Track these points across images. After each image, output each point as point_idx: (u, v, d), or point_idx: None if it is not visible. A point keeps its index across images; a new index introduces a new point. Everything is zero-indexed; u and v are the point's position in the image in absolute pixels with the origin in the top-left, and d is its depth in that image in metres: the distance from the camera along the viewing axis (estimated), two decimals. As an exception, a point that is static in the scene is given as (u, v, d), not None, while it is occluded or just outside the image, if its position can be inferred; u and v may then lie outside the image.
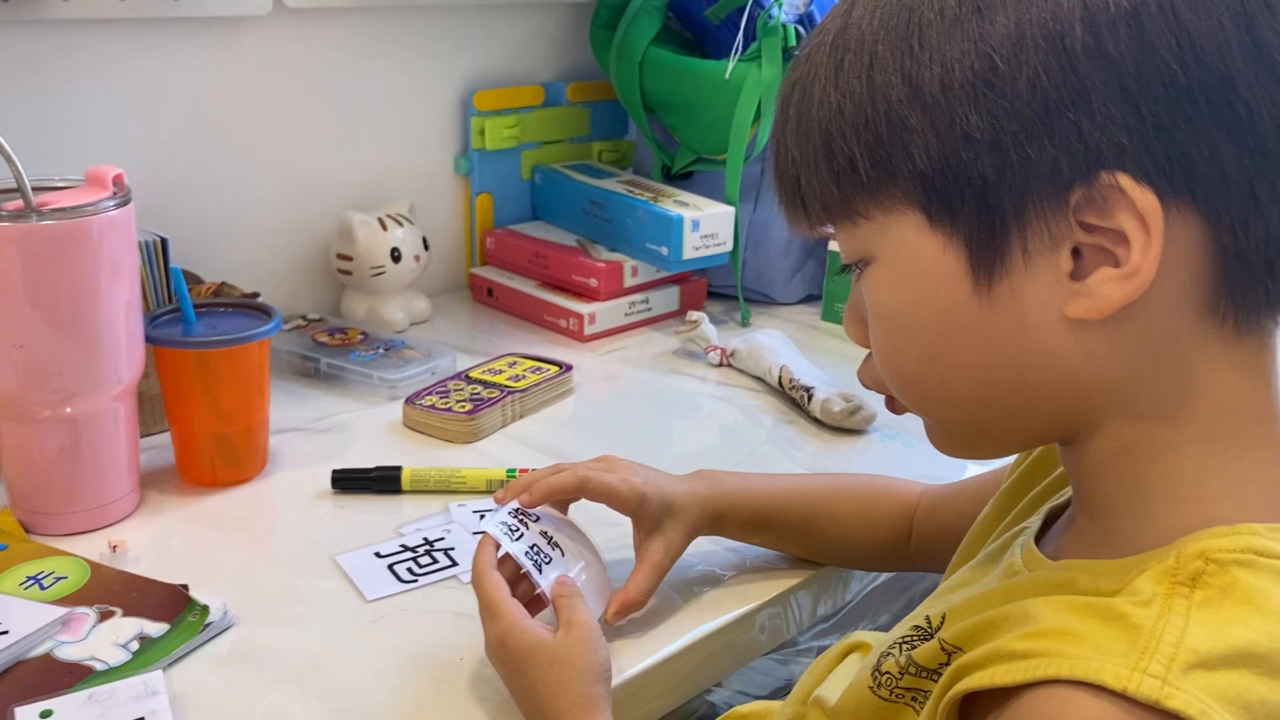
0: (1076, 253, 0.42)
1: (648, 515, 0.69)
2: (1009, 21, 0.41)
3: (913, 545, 0.73)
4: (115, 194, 0.74)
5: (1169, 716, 0.37)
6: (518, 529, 0.65)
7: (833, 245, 1.22)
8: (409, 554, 0.75)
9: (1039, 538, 0.51)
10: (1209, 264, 0.41)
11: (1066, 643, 0.40)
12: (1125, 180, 0.40)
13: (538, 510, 0.67)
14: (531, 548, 0.64)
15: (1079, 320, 0.42)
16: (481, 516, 0.80)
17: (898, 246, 0.45)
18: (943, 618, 0.49)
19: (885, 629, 0.59)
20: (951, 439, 0.50)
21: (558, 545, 0.66)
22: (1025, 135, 0.41)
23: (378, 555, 0.75)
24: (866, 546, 0.74)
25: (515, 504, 0.67)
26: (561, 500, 0.70)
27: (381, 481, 0.83)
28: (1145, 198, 0.40)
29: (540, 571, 0.63)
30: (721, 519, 0.72)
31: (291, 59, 1.10)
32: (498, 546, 0.64)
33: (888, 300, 0.47)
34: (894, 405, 0.51)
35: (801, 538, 0.75)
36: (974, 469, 0.76)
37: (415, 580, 0.72)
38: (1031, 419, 0.46)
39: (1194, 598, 0.40)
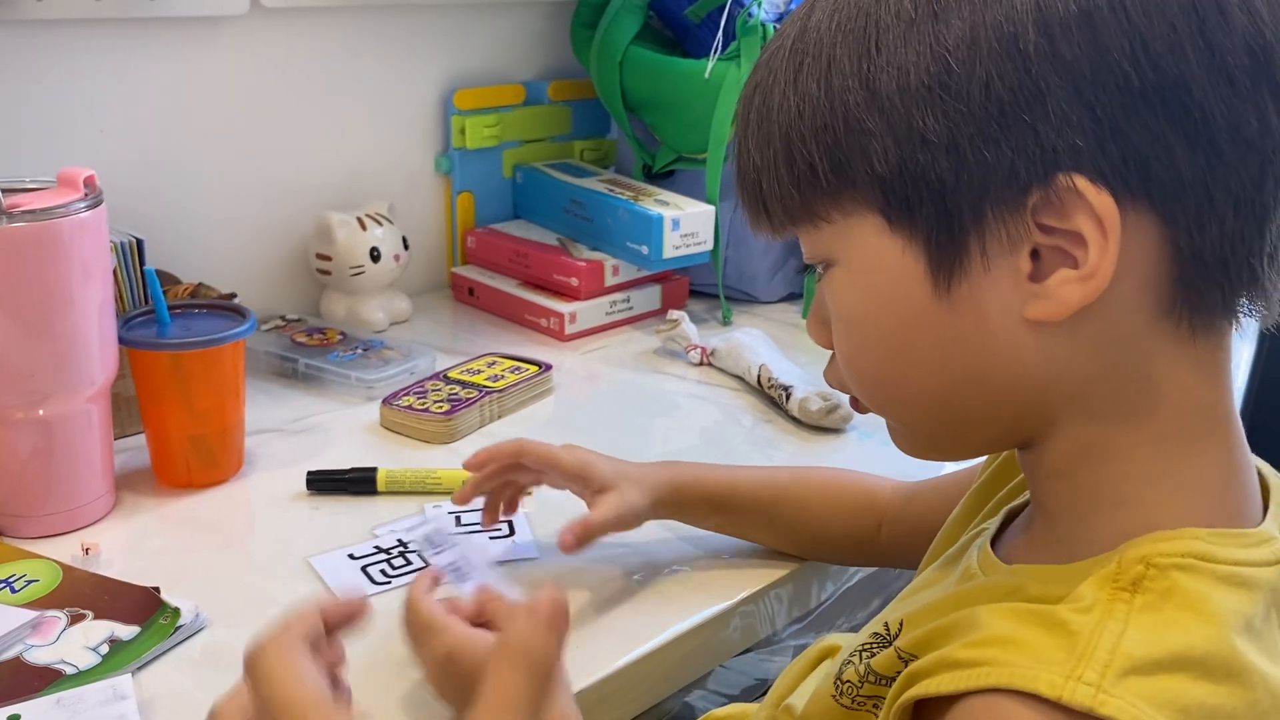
0: (1035, 254, 0.42)
1: (596, 478, 0.70)
2: (964, 25, 0.41)
3: (883, 540, 0.73)
4: (87, 195, 0.73)
5: None
6: (439, 546, 0.64)
7: (813, 244, 1.22)
8: (383, 556, 0.75)
9: (997, 539, 0.51)
10: (1165, 265, 0.42)
11: (1007, 651, 0.40)
12: (1082, 182, 0.40)
13: (465, 556, 0.64)
14: (451, 564, 0.63)
15: (1038, 322, 0.42)
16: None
17: (858, 249, 0.45)
18: (900, 624, 0.49)
19: (861, 627, 0.59)
20: (914, 440, 0.51)
21: (474, 569, 0.63)
22: (981, 138, 0.41)
23: (351, 557, 0.75)
24: (832, 536, 0.74)
25: (435, 527, 0.66)
26: (513, 487, 0.73)
27: (357, 483, 0.83)
28: (1102, 200, 0.40)
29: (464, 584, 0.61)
30: (682, 496, 0.73)
31: (269, 59, 1.10)
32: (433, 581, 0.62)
33: (849, 301, 0.47)
34: (858, 404, 0.51)
35: (766, 523, 0.75)
36: (949, 467, 0.77)
37: (389, 582, 0.72)
38: (992, 421, 0.47)
39: (1134, 603, 0.40)
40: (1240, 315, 0.44)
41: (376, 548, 0.76)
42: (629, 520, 0.71)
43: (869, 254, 0.45)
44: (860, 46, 0.43)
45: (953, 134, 0.41)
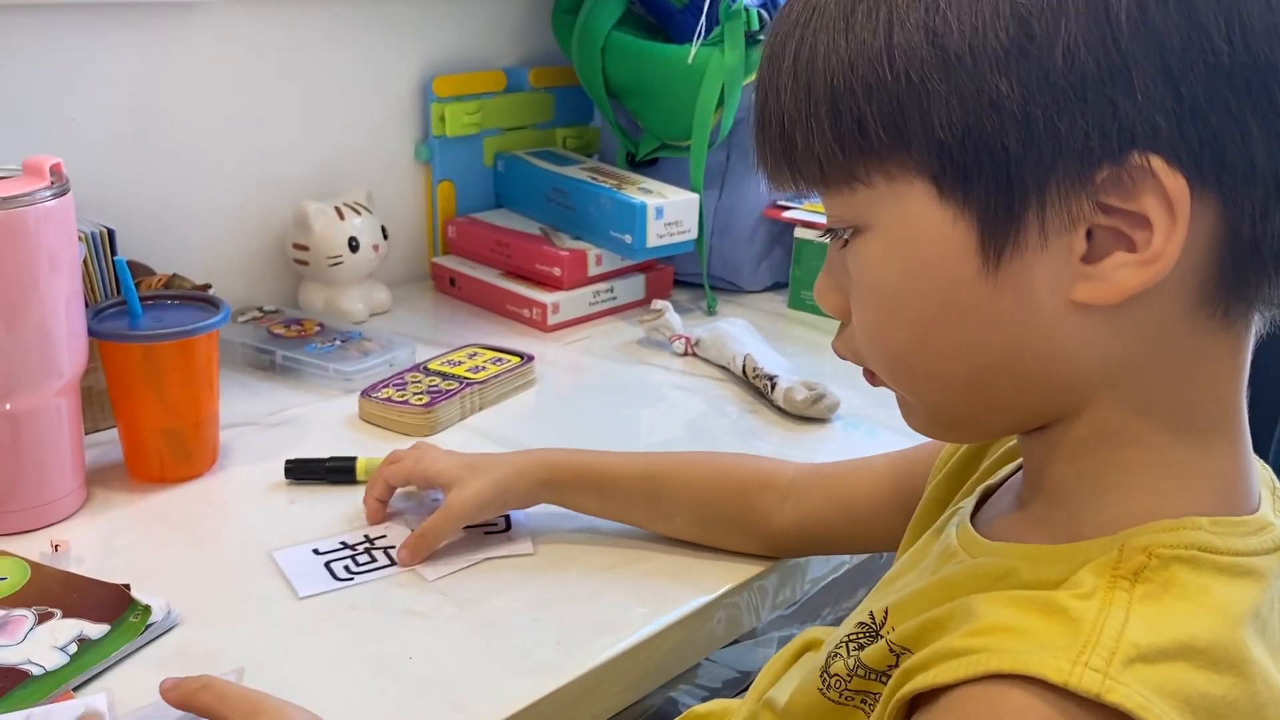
0: (1089, 235, 0.40)
1: (447, 478, 0.74)
2: None
3: (789, 519, 0.71)
4: (53, 184, 0.71)
5: (1109, 710, 0.36)
6: None
7: (800, 233, 1.20)
8: (347, 551, 0.73)
9: (975, 516, 0.50)
10: (1216, 253, 0.40)
11: (1007, 638, 0.39)
12: (1158, 163, 0.38)
13: None
14: None
15: (1084, 304, 0.41)
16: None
17: (900, 216, 0.42)
18: (885, 612, 0.48)
19: (845, 619, 0.58)
20: (933, 419, 0.48)
21: None
22: (1057, 108, 0.38)
23: (316, 552, 0.73)
24: (725, 515, 0.73)
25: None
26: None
27: (335, 472, 0.81)
28: (1176, 182, 0.38)
29: None
30: (553, 471, 0.74)
31: (244, 45, 1.08)
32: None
33: (882, 272, 0.44)
34: (873, 378, 0.49)
35: (648, 502, 0.74)
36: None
37: (351, 579, 0.70)
38: (1018, 403, 0.45)
39: (1135, 592, 0.39)
40: (1274, 306, 0.43)
41: (342, 543, 0.74)
42: (470, 511, 0.72)
43: (912, 223, 0.42)
44: None
45: (1026, 101, 0.38)
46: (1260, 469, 0.47)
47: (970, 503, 0.51)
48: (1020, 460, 0.51)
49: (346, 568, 0.72)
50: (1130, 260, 0.39)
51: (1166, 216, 0.38)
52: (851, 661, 0.47)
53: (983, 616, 0.41)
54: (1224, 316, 0.42)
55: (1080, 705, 0.37)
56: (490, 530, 0.76)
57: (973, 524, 0.49)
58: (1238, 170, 0.38)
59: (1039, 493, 0.47)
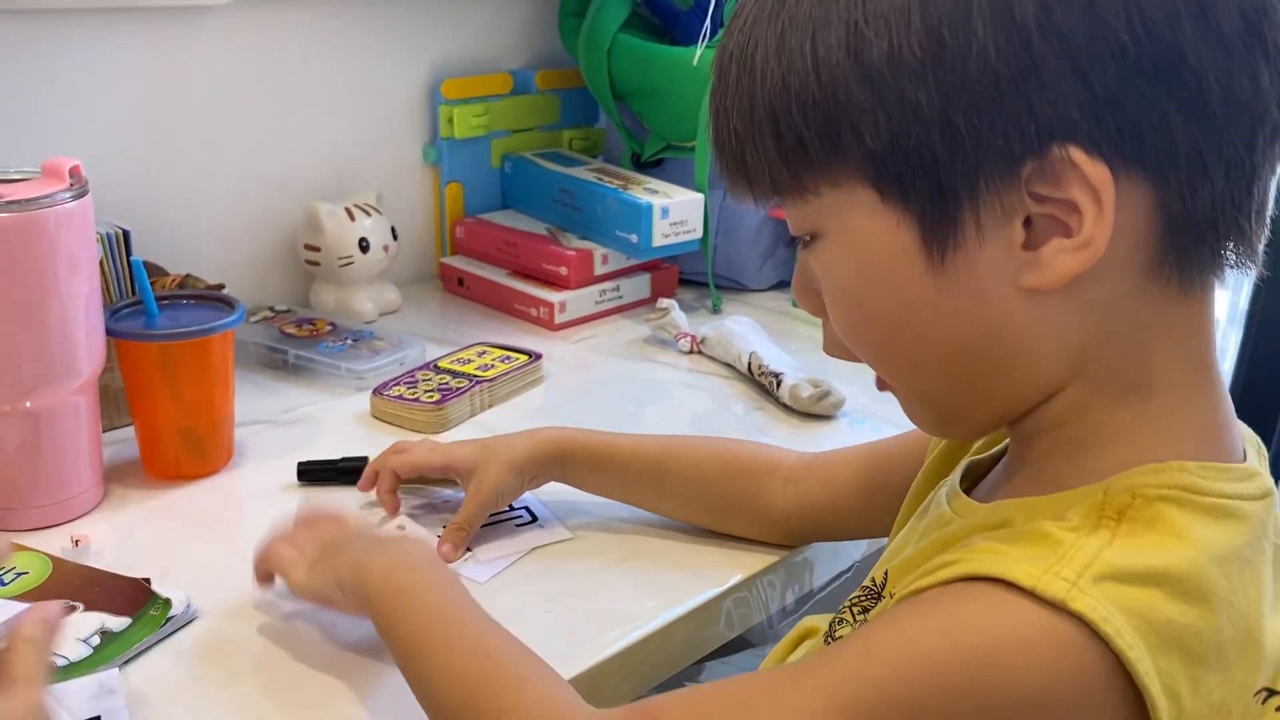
0: (1028, 222, 0.42)
1: (461, 464, 0.74)
2: None
3: (790, 504, 0.73)
4: (72, 186, 0.73)
5: (1071, 616, 0.38)
6: None
7: (803, 231, 1.22)
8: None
9: (972, 492, 0.52)
10: (1156, 227, 0.42)
11: (990, 553, 0.41)
12: (1077, 153, 0.40)
13: None
14: None
15: (1033, 290, 0.42)
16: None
17: (849, 223, 0.45)
18: (885, 575, 0.50)
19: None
20: (929, 415, 0.51)
21: None
22: (975, 112, 0.40)
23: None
24: (730, 500, 0.74)
25: None
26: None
27: (348, 473, 0.83)
28: (1097, 170, 0.40)
29: None
30: (565, 453, 0.75)
31: (256, 48, 1.09)
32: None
33: (842, 276, 0.47)
34: (881, 384, 0.51)
35: (654, 483, 0.75)
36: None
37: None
38: (996, 389, 0.47)
39: (1119, 529, 0.41)
40: (1226, 269, 0.44)
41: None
42: (496, 498, 0.74)
43: (860, 229, 0.44)
44: (847, 14, 0.42)
45: (946, 108, 0.40)
46: (1244, 430, 0.49)
47: (956, 473, 0.53)
48: (1007, 440, 0.53)
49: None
50: (1067, 245, 0.41)
51: (1093, 203, 0.40)
52: (859, 625, 0.49)
53: (974, 545, 0.43)
54: (1179, 284, 0.43)
55: (1044, 609, 0.39)
56: (521, 523, 0.77)
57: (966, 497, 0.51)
58: (1159, 151, 0.40)
59: (1026, 461, 0.48)
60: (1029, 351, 0.44)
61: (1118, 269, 0.42)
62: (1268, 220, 0.44)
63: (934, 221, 0.43)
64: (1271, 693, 0.44)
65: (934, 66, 0.40)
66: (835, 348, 0.51)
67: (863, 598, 0.50)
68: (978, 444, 0.57)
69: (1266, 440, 1.52)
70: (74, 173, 0.73)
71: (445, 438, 0.91)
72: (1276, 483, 0.47)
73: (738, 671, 0.91)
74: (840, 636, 0.50)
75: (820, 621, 0.56)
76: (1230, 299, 1.56)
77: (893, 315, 0.46)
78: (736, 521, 0.75)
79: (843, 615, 0.51)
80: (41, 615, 0.51)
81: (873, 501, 0.69)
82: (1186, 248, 0.42)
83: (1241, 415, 0.49)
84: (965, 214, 0.42)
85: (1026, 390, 0.46)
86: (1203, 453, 0.44)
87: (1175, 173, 0.41)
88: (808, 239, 0.48)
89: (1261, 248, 0.44)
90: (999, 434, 0.55)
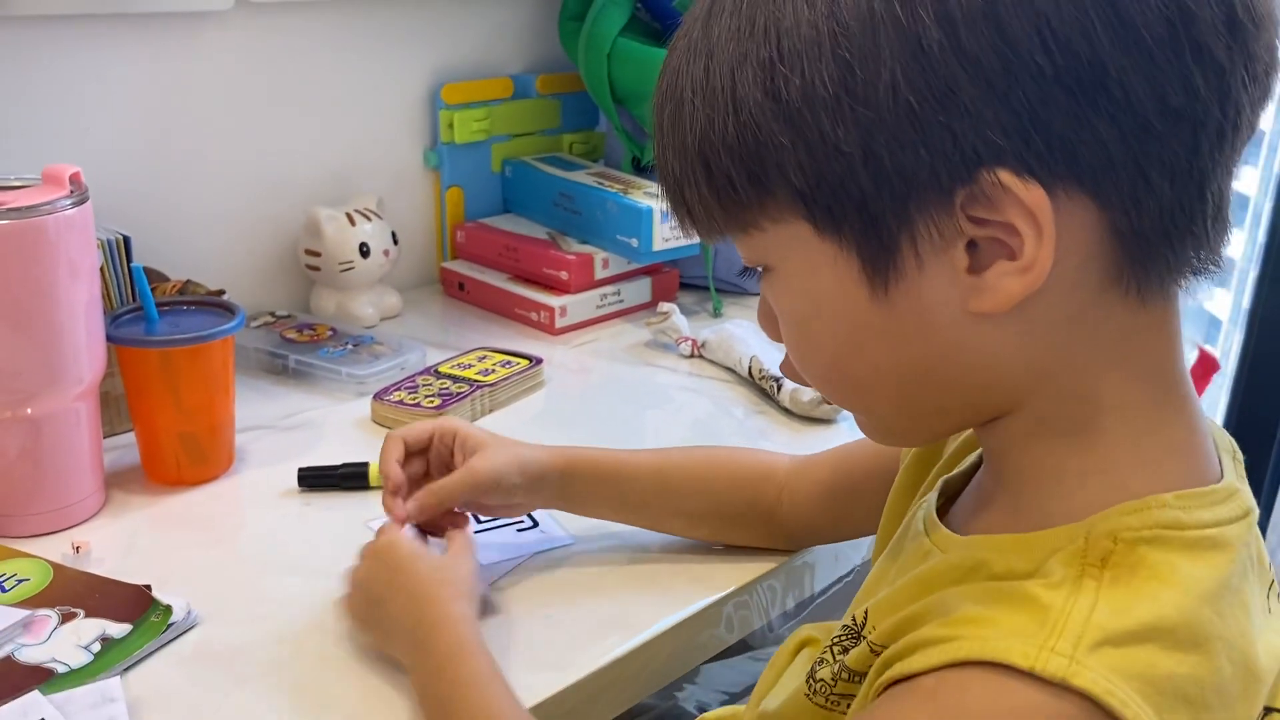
0: (973, 245, 0.41)
1: (473, 438, 0.72)
2: (861, 23, 0.39)
3: (784, 512, 0.73)
4: (72, 193, 0.73)
5: (1075, 694, 0.37)
6: None
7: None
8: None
9: (945, 511, 0.51)
10: (1105, 242, 0.41)
11: (979, 627, 0.40)
12: (1007, 177, 0.39)
13: None
14: None
15: (983, 314, 0.41)
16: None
17: (791, 256, 0.44)
18: (865, 614, 0.49)
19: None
20: (881, 429, 0.50)
21: None
22: (897, 144, 0.39)
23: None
24: (730, 510, 0.74)
25: None
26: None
27: (348, 478, 0.83)
28: (1031, 192, 0.39)
29: None
30: (571, 469, 0.73)
31: (255, 54, 1.09)
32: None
33: (790, 307, 0.47)
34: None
35: (657, 498, 0.74)
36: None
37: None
38: (951, 409, 0.46)
39: (1103, 578, 0.40)
40: (1188, 275, 0.43)
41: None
42: (490, 479, 0.70)
43: (802, 261, 0.44)
44: (763, 51, 0.41)
45: (866, 142, 0.39)
46: (1219, 436, 0.48)
47: (933, 496, 0.52)
48: (980, 451, 0.52)
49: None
50: (1011, 269, 0.40)
51: (1032, 226, 0.39)
52: (836, 666, 0.48)
53: (956, 609, 0.42)
54: (1138, 296, 0.42)
55: (1047, 689, 0.38)
56: (522, 528, 0.77)
57: (943, 519, 0.50)
58: (1094, 167, 0.39)
59: (1000, 484, 0.48)
60: (982, 372, 0.44)
61: (1070, 287, 0.41)
62: (1228, 221, 0.43)
63: (871, 253, 0.42)
64: (1270, 710, 0.44)
65: (849, 100, 0.39)
66: (791, 373, 0.51)
67: (843, 637, 0.49)
68: (950, 452, 0.56)
69: (1267, 441, 1.52)
70: (74, 179, 0.74)
71: (446, 443, 0.91)
72: (1257, 490, 0.46)
73: (737, 675, 0.91)
74: (821, 678, 0.49)
75: (817, 631, 0.56)
76: (1233, 298, 1.57)
77: (841, 343, 0.45)
78: (740, 533, 0.75)
79: (824, 656, 0.50)
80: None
81: (847, 504, 0.69)
82: (1141, 260, 0.41)
83: (1244, 417, 0.48)
84: (902, 243, 0.41)
85: (982, 406, 0.45)
86: (1181, 477, 0.43)
87: (1116, 187, 0.39)
88: (759, 270, 0.47)
89: (1223, 249, 0.43)
90: (970, 443, 0.55)
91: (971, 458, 0.54)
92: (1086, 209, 0.40)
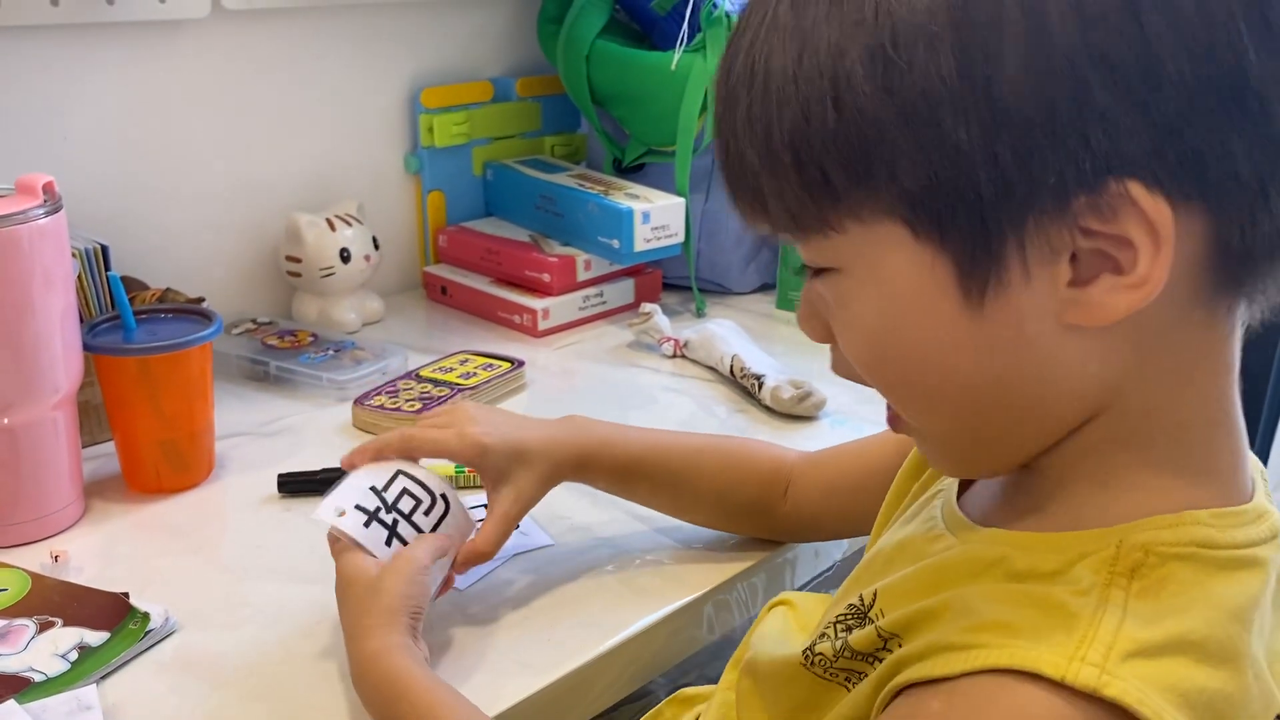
0: (1074, 258, 0.39)
1: (492, 465, 0.67)
2: (991, 18, 0.36)
3: (789, 506, 0.73)
4: (46, 202, 0.73)
5: (1106, 704, 0.37)
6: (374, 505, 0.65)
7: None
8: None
9: (962, 497, 0.50)
10: (1208, 260, 0.39)
11: (1005, 634, 0.39)
12: (1137, 189, 0.37)
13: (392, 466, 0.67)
14: (382, 523, 0.65)
15: (1075, 326, 0.40)
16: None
17: (875, 259, 0.41)
18: (875, 595, 0.48)
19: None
20: (947, 456, 0.48)
21: (410, 494, 0.66)
22: (1026, 149, 0.37)
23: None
24: (734, 504, 0.74)
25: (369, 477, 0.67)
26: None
27: (329, 484, 0.82)
28: (1157, 207, 0.37)
29: (389, 545, 0.64)
30: (588, 463, 0.70)
31: (232, 61, 1.09)
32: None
33: (862, 312, 0.43)
34: (895, 422, 0.48)
35: (671, 491, 0.74)
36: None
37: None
38: (1024, 428, 0.44)
39: (1131, 589, 0.39)
40: (1257, 296, 0.42)
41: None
42: (521, 514, 0.68)
43: (888, 266, 0.41)
44: (872, 36, 0.37)
45: (991, 144, 0.37)
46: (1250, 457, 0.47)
47: (954, 482, 0.51)
48: None
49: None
50: (1119, 284, 0.38)
51: (1150, 240, 0.37)
52: (839, 644, 0.47)
53: (980, 613, 0.41)
54: (1212, 314, 0.41)
55: (1078, 700, 0.37)
56: None
57: (961, 506, 0.49)
58: (1221, 183, 0.37)
59: (1031, 480, 0.46)
60: (1060, 390, 0.42)
61: (1164, 301, 0.39)
62: None
63: (974, 261, 0.39)
64: None
65: (972, 97, 0.36)
66: (845, 369, 0.47)
67: (848, 616, 0.48)
68: None
69: (1250, 432, 1.53)
70: (47, 189, 0.74)
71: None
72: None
73: (719, 661, 0.91)
74: (820, 651, 0.48)
75: (796, 598, 0.56)
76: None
77: (918, 355, 0.43)
78: (747, 524, 0.75)
79: (826, 632, 0.49)
80: None
81: (861, 501, 0.68)
82: (1238, 279, 0.40)
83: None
84: (1010, 252, 0.38)
85: (1046, 433, 0.44)
86: (1218, 496, 0.42)
87: (1236, 205, 0.38)
88: (819, 269, 0.44)
89: None
90: None
91: None
92: (1201, 224, 0.38)
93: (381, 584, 0.60)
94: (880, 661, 0.45)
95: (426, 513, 0.66)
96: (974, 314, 0.40)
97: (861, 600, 0.49)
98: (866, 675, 0.46)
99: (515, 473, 0.67)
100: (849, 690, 0.47)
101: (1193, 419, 0.43)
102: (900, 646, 0.44)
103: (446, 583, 0.66)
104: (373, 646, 0.58)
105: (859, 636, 0.47)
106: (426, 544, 0.63)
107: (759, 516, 0.74)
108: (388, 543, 0.64)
